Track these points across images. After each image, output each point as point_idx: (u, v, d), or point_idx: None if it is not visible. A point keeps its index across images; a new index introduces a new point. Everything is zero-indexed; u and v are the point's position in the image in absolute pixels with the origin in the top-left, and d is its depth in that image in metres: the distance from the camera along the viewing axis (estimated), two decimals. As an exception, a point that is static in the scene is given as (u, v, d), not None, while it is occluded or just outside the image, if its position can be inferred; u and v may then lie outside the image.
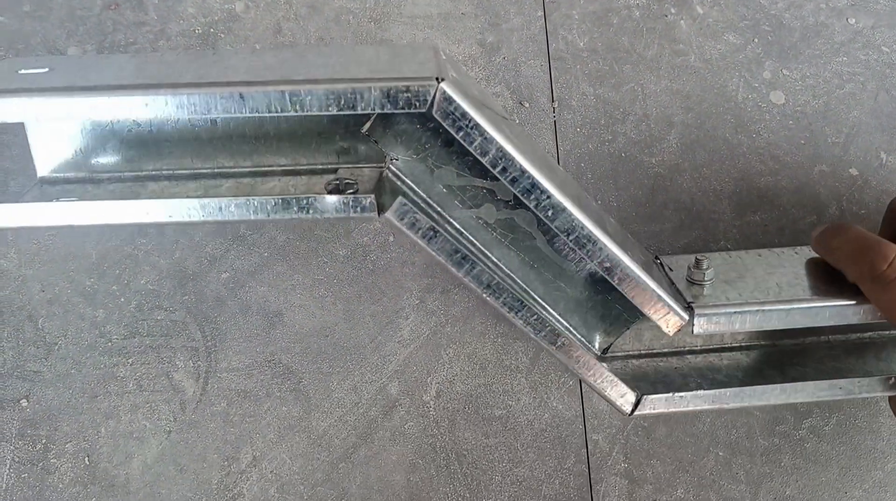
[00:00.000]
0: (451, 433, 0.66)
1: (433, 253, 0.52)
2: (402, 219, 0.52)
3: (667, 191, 0.68)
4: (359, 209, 0.51)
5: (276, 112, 0.46)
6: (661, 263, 0.60)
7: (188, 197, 0.50)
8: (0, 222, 0.50)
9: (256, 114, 0.46)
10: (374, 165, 0.56)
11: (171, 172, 0.55)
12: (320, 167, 0.56)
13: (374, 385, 0.66)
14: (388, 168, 0.56)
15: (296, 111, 0.46)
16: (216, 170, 0.55)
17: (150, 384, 0.65)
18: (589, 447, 0.67)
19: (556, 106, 0.69)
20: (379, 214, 0.51)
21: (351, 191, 0.52)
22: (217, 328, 0.66)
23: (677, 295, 0.55)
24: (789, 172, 0.68)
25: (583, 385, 0.67)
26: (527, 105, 0.69)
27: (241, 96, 0.46)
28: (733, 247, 0.68)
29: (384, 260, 0.68)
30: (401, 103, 0.46)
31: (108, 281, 0.66)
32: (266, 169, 0.56)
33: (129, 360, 0.65)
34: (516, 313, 0.54)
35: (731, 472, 0.68)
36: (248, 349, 0.66)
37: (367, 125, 0.55)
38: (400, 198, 0.51)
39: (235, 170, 0.55)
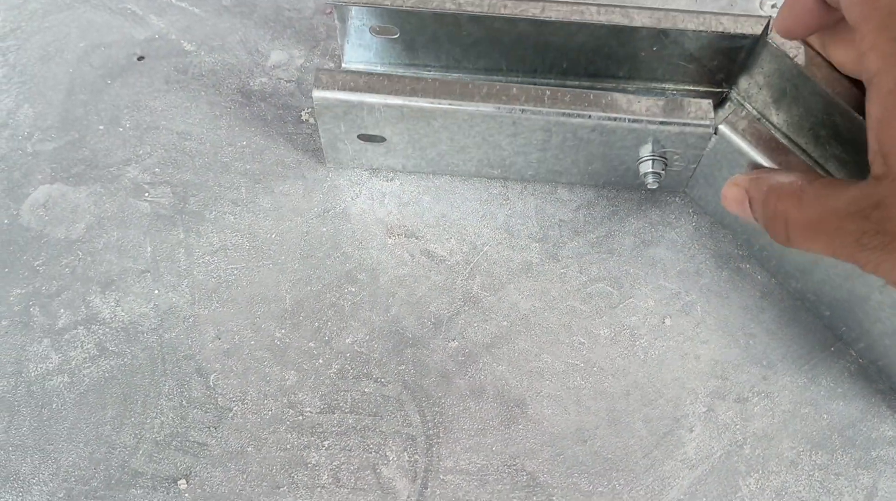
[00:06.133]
0: None
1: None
2: (739, 132, 0.53)
3: None
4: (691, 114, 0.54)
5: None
6: None
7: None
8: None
9: None
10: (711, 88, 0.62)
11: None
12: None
13: (650, 515, 0.53)
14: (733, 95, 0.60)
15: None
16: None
17: (350, 478, 0.52)
18: None
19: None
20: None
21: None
22: (441, 412, 0.55)
23: None
24: None
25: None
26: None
27: None
28: None
29: (659, 349, 0.58)
30: None
31: (303, 335, 0.56)
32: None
33: (325, 443, 0.53)
34: None
35: None
36: (480, 445, 0.54)
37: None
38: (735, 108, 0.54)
39: None
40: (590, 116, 0.53)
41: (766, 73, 0.59)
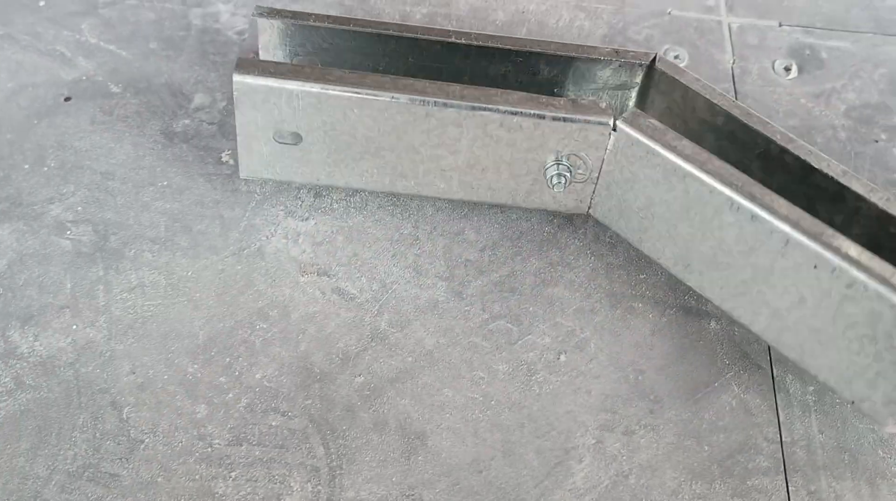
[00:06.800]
0: None
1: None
2: (636, 126, 0.59)
3: None
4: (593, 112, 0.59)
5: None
6: None
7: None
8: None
9: None
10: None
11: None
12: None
13: (539, 542, 0.58)
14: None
15: None
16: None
17: (254, 507, 0.56)
18: None
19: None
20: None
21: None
22: (345, 445, 0.58)
23: None
24: None
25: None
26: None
27: None
28: None
29: (553, 384, 0.62)
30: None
31: (214, 370, 0.60)
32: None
33: (232, 474, 0.56)
34: None
35: None
36: (381, 476, 0.58)
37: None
38: (633, 108, 0.61)
39: None
40: (497, 110, 0.59)
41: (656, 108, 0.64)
